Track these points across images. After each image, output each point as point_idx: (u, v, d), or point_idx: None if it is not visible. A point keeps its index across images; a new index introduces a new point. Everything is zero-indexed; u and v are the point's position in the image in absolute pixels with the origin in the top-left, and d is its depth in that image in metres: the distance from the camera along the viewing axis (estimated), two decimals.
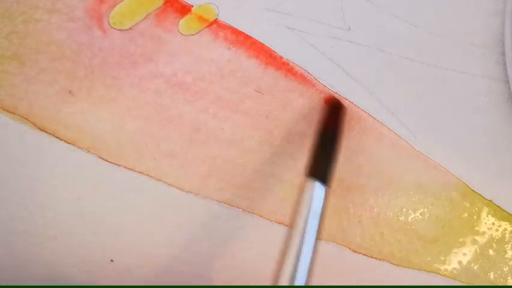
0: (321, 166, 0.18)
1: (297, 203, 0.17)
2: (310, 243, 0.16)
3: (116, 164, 0.20)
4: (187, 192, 0.20)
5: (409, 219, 0.21)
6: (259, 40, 0.22)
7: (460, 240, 0.21)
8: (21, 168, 0.20)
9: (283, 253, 0.16)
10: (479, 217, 0.21)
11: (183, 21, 0.22)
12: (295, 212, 0.17)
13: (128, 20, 0.21)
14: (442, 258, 0.21)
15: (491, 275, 0.21)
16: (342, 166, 0.21)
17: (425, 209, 0.21)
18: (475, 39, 0.22)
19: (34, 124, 0.20)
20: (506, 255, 0.21)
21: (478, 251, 0.21)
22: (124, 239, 0.20)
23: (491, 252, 0.21)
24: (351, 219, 0.21)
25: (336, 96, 0.22)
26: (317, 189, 0.17)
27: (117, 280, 0.20)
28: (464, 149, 0.21)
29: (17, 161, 0.20)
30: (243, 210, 0.20)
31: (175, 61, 0.21)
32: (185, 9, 0.22)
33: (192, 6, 0.22)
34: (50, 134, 0.20)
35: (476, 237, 0.21)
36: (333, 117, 0.20)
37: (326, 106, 0.21)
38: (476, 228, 0.21)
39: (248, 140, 0.21)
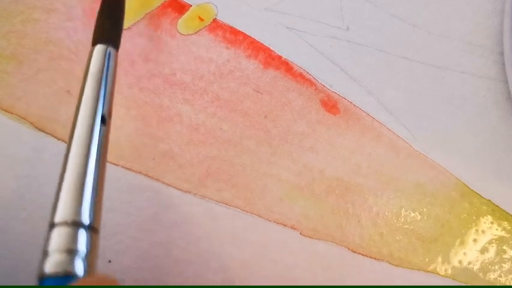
0: (106, 31, 0.18)
1: (87, 70, 0.16)
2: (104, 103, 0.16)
3: (114, 164, 0.20)
4: (186, 192, 0.20)
5: (408, 219, 0.21)
6: (258, 40, 0.22)
7: (459, 240, 0.21)
8: (19, 168, 0.20)
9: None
10: (478, 217, 0.21)
11: (182, 21, 0.22)
12: (86, 76, 0.16)
13: (127, 20, 0.21)
14: (441, 258, 0.21)
15: (491, 275, 0.21)
16: (341, 166, 0.21)
17: (424, 209, 0.21)
18: (473, 39, 0.22)
19: (32, 124, 0.20)
20: (505, 255, 0.21)
21: (477, 250, 0.21)
22: (122, 239, 0.20)
23: (490, 251, 0.21)
24: (350, 219, 0.21)
25: (335, 96, 0.22)
26: (107, 50, 0.17)
27: None
28: (463, 148, 0.21)
29: (15, 160, 0.20)
30: (242, 210, 0.20)
31: (174, 61, 0.21)
32: (184, 9, 0.22)
33: (191, 5, 0.22)
34: (48, 133, 0.20)
35: (475, 237, 0.21)
36: None
37: None
38: (475, 228, 0.21)
39: (247, 140, 0.21)
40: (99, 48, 0.17)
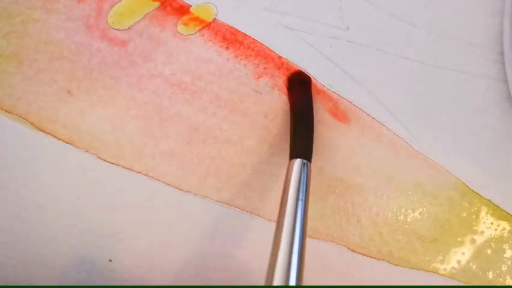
0: (300, 145, 0.19)
1: (286, 183, 0.18)
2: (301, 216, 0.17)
3: (115, 163, 0.20)
4: (186, 191, 0.20)
5: (408, 219, 0.21)
6: (257, 40, 0.22)
7: (459, 239, 0.21)
8: (19, 168, 0.20)
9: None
10: (477, 216, 0.21)
11: (182, 21, 0.22)
12: (285, 190, 0.17)
13: (126, 20, 0.21)
14: (441, 257, 0.21)
15: (490, 274, 0.21)
16: (341, 166, 0.21)
17: (424, 209, 0.21)
18: (473, 39, 0.22)
19: (33, 124, 0.20)
20: (504, 255, 0.21)
21: (476, 250, 0.21)
22: (123, 239, 0.20)
23: (489, 251, 0.21)
24: (350, 219, 0.21)
25: (335, 96, 0.22)
26: (301, 164, 0.18)
27: (116, 280, 0.20)
28: (463, 148, 0.21)
29: (15, 160, 0.20)
30: (242, 209, 0.20)
31: (174, 61, 0.21)
32: (183, 9, 0.22)
33: (191, 6, 0.22)
34: (48, 133, 0.20)
35: (475, 237, 0.21)
36: (301, 92, 0.21)
37: (291, 83, 0.21)
38: (475, 228, 0.21)
39: (247, 140, 0.21)
40: (298, 162, 0.18)
